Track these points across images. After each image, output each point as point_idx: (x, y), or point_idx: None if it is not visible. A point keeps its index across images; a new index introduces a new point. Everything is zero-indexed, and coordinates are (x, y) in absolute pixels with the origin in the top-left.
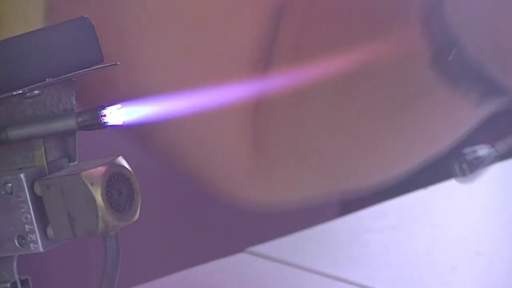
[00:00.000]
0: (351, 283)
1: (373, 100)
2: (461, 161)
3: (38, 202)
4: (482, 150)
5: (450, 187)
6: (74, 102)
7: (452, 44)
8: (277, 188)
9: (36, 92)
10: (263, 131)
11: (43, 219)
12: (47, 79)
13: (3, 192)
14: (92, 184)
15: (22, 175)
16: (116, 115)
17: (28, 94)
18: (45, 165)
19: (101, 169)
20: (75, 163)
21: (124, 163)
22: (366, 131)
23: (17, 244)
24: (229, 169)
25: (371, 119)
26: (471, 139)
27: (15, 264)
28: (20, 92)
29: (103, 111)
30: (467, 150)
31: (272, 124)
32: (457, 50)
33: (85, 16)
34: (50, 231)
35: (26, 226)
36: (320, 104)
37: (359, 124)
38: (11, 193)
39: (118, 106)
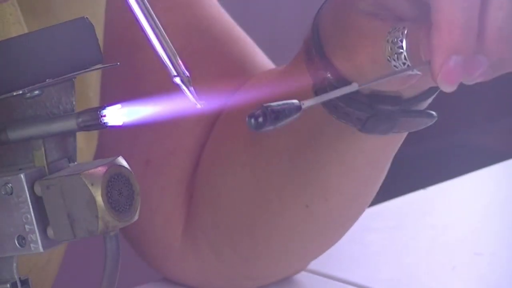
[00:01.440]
0: (351, 283)
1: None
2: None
3: (38, 202)
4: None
5: (450, 187)
6: (74, 102)
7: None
8: (208, 265)
9: (36, 92)
10: (194, 211)
11: (43, 220)
12: (47, 80)
13: (3, 192)
14: (92, 185)
15: (22, 176)
16: (116, 115)
17: (28, 94)
18: (45, 166)
19: (101, 170)
20: (75, 163)
21: (124, 163)
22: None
23: (17, 244)
24: (162, 248)
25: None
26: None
27: (15, 264)
28: (20, 92)
29: (103, 111)
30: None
31: (202, 203)
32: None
33: (85, 17)
34: (50, 231)
35: (26, 226)
36: (240, 180)
37: (274, 192)
38: (11, 193)
39: (118, 106)
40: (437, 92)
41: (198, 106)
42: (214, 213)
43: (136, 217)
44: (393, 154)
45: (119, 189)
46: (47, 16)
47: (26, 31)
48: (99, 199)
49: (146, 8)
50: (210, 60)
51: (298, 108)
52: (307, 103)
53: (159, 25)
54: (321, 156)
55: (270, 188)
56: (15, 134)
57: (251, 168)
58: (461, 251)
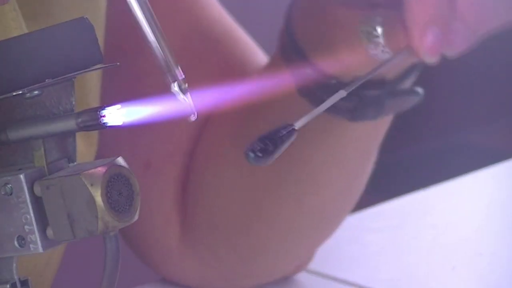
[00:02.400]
0: (351, 283)
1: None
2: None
3: (37, 202)
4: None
5: (450, 187)
6: (74, 102)
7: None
8: (206, 266)
9: (36, 92)
10: (190, 212)
11: (42, 220)
12: (47, 80)
13: (3, 193)
14: (92, 185)
15: (22, 176)
16: (115, 115)
17: (28, 94)
18: (45, 166)
19: (101, 170)
20: (75, 163)
21: (124, 163)
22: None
23: (16, 244)
24: (161, 250)
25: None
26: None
27: (15, 264)
28: (20, 92)
29: (103, 111)
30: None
31: (197, 205)
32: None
33: (85, 17)
34: (49, 231)
35: (26, 227)
36: (230, 178)
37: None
38: (11, 194)
39: (118, 106)
40: (419, 69)
41: (192, 116)
42: (209, 214)
43: (136, 217)
44: (381, 138)
45: (119, 189)
46: (48, 21)
47: None
48: (98, 199)
49: (150, 12)
50: (210, 62)
51: (293, 131)
52: (299, 124)
53: (162, 30)
54: (310, 151)
55: (261, 186)
56: (15, 134)
57: (240, 167)
58: (461, 251)
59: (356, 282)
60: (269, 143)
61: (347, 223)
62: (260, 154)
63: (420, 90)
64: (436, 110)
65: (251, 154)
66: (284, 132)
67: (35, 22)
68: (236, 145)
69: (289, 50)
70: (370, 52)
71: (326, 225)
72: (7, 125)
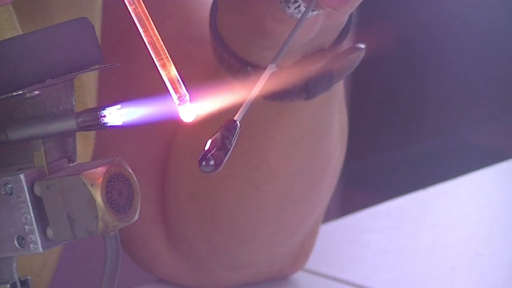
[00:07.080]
0: (351, 283)
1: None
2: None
3: (37, 202)
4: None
5: (450, 187)
6: (74, 102)
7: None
8: (191, 262)
9: (36, 92)
10: (166, 208)
11: (42, 220)
12: (47, 80)
13: (3, 193)
14: (92, 185)
15: (22, 176)
16: (115, 115)
17: (28, 94)
18: (45, 166)
19: (101, 170)
20: (75, 163)
21: (124, 163)
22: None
23: (16, 244)
24: (150, 252)
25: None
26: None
27: (15, 264)
28: (20, 92)
29: (103, 111)
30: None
31: (168, 200)
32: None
33: (85, 17)
34: (49, 231)
35: (26, 227)
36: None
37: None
38: (11, 194)
39: (118, 106)
40: (349, 29)
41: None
42: (177, 206)
43: (136, 218)
44: (333, 108)
45: (119, 189)
46: (45, 21)
47: None
48: (98, 199)
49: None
50: (199, 63)
51: (236, 126)
52: (239, 116)
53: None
54: (265, 139)
55: (218, 176)
56: (15, 134)
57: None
58: (461, 251)
59: (356, 282)
60: (218, 147)
61: (347, 223)
62: (212, 163)
63: (361, 45)
64: (435, 110)
65: (203, 164)
66: (231, 134)
67: (32, 21)
68: (192, 136)
69: (222, 53)
70: (287, 12)
71: (292, 209)
72: (7, 125)
